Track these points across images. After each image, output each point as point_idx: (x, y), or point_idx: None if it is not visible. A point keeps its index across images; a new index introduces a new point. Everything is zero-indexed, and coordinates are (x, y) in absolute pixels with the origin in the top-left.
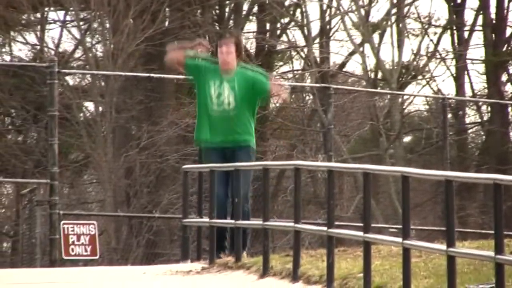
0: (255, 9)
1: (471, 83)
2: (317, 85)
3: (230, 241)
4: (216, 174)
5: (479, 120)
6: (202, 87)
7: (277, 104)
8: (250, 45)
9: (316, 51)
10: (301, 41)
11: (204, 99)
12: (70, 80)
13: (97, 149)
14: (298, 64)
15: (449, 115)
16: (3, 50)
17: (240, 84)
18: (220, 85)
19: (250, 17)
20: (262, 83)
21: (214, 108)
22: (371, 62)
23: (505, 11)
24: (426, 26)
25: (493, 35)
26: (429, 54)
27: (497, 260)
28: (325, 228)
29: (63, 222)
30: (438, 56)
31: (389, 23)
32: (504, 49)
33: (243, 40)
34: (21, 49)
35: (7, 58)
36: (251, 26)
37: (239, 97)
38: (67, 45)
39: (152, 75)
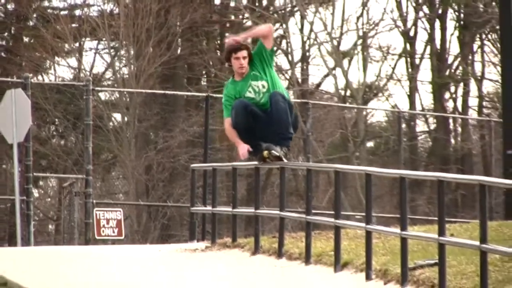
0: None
1: (421, 99)
2: (299, 100)
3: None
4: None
5: (427, 129)
6: (248, 98)
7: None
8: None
9: (298, 73)
10: (286, 65)
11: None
12: (102, 96)
13: (123, 151)
14: (283, 83)
15: (403, 125)
16: (50, 71)
17: (255, 69)
18: (250, 86)
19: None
20: (257, 49)
21: (262, 102)
22: (341, 82)
23: (447, 43)
24: (386, 54)
25: (438, 62)
26: (387, 76)
27: (439, 241)
28: (304, 215)
29: (95, 209)
30: (395, 78)
31: (356, 51)
32: (447, 73)
33: (251, 47)
34: (64, 70)
35: (53, 78)
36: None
37: (262, 76)
38: (99, 67)
39: (167, 92)
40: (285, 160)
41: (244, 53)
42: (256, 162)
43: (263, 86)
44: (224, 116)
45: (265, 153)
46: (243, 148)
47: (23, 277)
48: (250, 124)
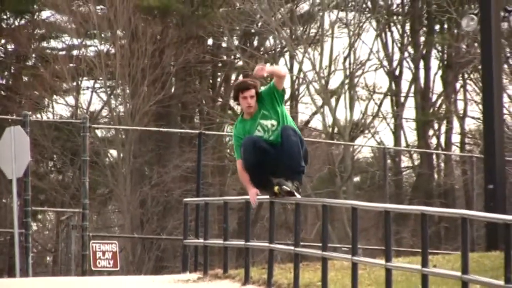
0: (241, 77)
1: (405, 136)
2: None
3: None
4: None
5: (411, 165)
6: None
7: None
8: (237, 107)
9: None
10: None
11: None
12: (99, 133)
13: (118, 186)
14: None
15: (388, 161)
16: (49, 109)
17: (264, 107)
18: (259, 124)
19: None
20: (268, 88)
21: (271, 140)
22: (329, 120)
23: (431, 82)
24: (372, 93)
25: (422, 100)
26: (373, 114)
27: (423, 272)
28: (292, 247)
29: (92, 241)
30: (381, 116)
31: (343, 90)
32: (430, 111)
33: (259, 85)
34: (61, 108)
35: (51, 115)
36: None
37: (271, 115)
38: (96, 105)
39: (161, 129)
40: (297, 195)
41: (251, 92)
42: (247, 197)
43: (272, 125)
44: (236, 158)
45: (276, 188)
46: (253, 195)
47: None
48: (259, 159)
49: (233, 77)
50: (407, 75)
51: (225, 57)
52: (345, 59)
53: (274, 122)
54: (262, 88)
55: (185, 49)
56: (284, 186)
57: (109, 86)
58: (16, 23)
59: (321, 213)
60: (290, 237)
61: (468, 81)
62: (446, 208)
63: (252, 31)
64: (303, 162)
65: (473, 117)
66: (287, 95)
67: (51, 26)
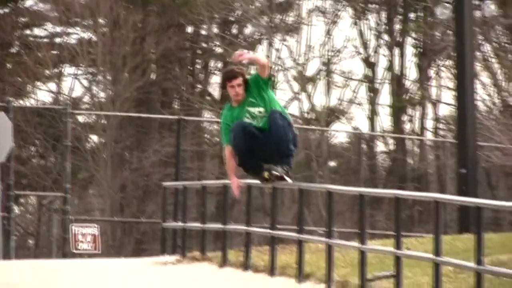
0: (219, 65)
1: (380, 122)
2: None
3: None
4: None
5: (386, 150)
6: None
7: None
8: (217, 92)
9: None
10: None
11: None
12: (80, 119)
13: (99, 170)
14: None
15: (364, 146)
16: (31, 95)
17: (252, 94)
18: (247, 112)
19: (216, 71)
20: (253, 77)
21: (256, 125)
22: (306, 106)
23: (406, 69)
24: (348, 79)
25: (397, 87)
26: (349, 100)
27: (396, 254)
28: (269, 230)
29: (73, 225)
30: (356, 102)
31: (320, 77)
32: (405, 97)
33: (245, 72)
34: (44, 95)
35: (34, 101)
36: (217, 78)
37: (259, 102)
38: (78, 92)
39: (141, 115)
40: (287, 179)
41: (238, 80)
42: (225, 181)
43: (260, 112)
44: (223, 142)
45: (266, 174)
46: (236, 187)
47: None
48: (249, 145)
49: (212, 64)
50: (382, 62)
51: (204, 45)
52: (321, 46)
53: (262, 109)
54: (249, 76)
55: (165, 37)
56: (273, 171)
57: (91, 73)
58: (0, 12)
59: (298, 197)
60: (267, 220)
61: (442, 68)
62: (419, 192)
63: (231, 19)
64: (292, 145)
65: (446, 103)
66: None
67: (34, 15)
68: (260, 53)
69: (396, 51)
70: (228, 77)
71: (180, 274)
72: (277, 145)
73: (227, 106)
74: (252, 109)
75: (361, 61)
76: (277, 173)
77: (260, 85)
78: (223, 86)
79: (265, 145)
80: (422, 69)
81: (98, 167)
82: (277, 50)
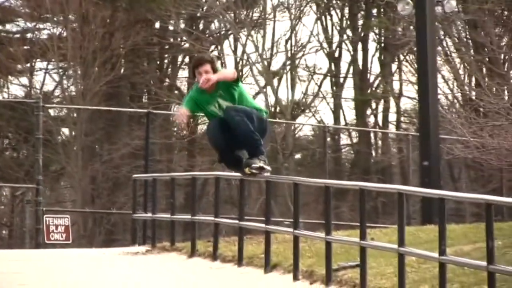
0: (187, 59)
1: (344, 115)
2: None
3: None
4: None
5: (350, 143)
6: (207, 111)
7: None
8: (184, 87)
9: None
10: None
11: (213, 116)
12: (52, 112)
13: (70, 163)
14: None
15: (328, 139)
16: (3, 89)
17: (224, 89)
18: (217, 102)
19: (183, 66)
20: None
21: (220, 115)
22: (272, 99)
23: (369, 64)
24: (312, 74)
25: (360, 81)
26: (314, 94)
27: (361, 244)
28: (237, 221)
29: (45, 216)
30: (321, 96)
31: (285, 71)
32: (368, 91)
33: (215, 60)
34: (16, 89)
35: (6, 95)
36: (184, 73)
37: (230, 96)
38: (49, 86)
39: (111, 108)
40: (267, 167)
41: (206, 67)
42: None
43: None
44: (183, 105)
45: (247, 169)
46: (182, 114)
47: None
48: (227, 139)
49: (180, 59)
50: (346, 57)
51: (172, 40)
52: (286, 41)
53: (229, 104)
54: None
55: (133, 32)
56: (253, 165)
57: (62, 67)
58: None
59: (265, 189)
60: (235, 211)
61: (404, 62)
62: (383, 184)
63: (198, 14)
64: (257, 135)
65: (409, 97)
66: None
67: (6, 10)
68: (224, 70)
69: (359, 46)
70: (195, 64)
71: (150, 264)
72: (243, 140)
73: (196, 86)
74: (221, 101)
75: (325, 55)
76: (256, 165)
77: (230, 86)
78: (192, 74)
79: (235, 140)
80: (385, 64)
81: (69, 160)
82: (243, 45)
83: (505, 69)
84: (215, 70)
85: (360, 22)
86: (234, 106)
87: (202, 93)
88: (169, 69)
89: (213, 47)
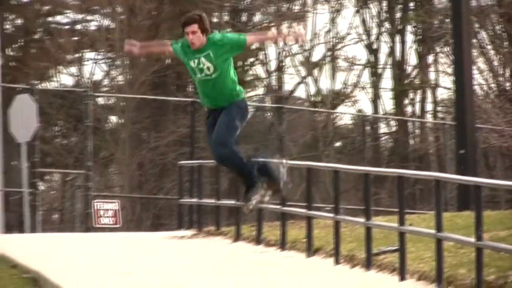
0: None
1: (383, 105)
2: (275, 105)
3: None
4: (206, 127)
5: (389, 131)
6: (187, 64)
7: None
8: None
9: (274, 81)
10: (263, 74)
11: (191, 73)
12: (100, 101)
13: (118, 150)
14: (261, 90)
15: (367, 128)
16: (54, 79)
17: (214, 52)
18: (198, 59)
19: None
20: (237, 42)
21: (199, 77)
22: (312, 89)
23: (406, 55)
24: (352, 65)
25: (398, 71)
26: (353, 84)
27: (400, 230)
28: (279, 207)
29: (94, 200)
30: (360, 86)
31: (325, 62)
32: (406, 81)
33: (205, 17)
34: (66, 78)
35: (56, 84)
36: None
37: (215, 62)
38: (98, 75)
39: (157, 97)
40: (266, 198)
41: (192, 27)
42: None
43: (208, 69)
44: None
45: (245, 208)
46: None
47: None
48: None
49: None
50: (384, 49)
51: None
52: (326, 33)
53: (212, 69)
54: (229, 35)
55: (178, 24)
56: (251, 202)
57: (110, 57)
58: (24, 0)
59: (306, 175)
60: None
61: (440, 54)
62: (420, 171)
63: (241, 7)
64: (248, 164)
65: (444, 87)
66: (273, 67)
67: (56, 3)
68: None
69: (397, 38)
70: (181, 23)
71: (196, 247)
72: (237, 173)
73: (186, 39)
74: (204, 61)
75: (364, 47)
76: (254, 202)
77: (232, 49)
78: (182, 33)
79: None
80: (422, 55)
81: (117, 146)
82: None
83: None
84: (203, 30)
85: (398, 15)
86: (217, 138)
87: (188, 48)
88: None
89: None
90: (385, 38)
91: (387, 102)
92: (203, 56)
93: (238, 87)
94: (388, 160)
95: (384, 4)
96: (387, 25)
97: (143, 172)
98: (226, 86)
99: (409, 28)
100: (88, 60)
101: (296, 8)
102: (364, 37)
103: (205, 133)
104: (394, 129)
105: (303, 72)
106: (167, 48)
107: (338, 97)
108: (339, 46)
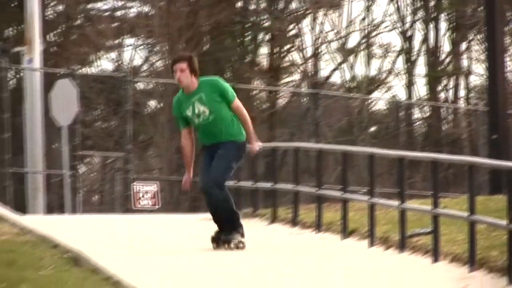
0: (267, 37)
1: (417, 91)
2: (311, 91)
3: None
4: (201, 164)
5: (422, 117)
6: (185, 117)
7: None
8: (265, 62)
9: (310, 67)
10: (299, 60)
11: (191, 122)
12: (140, 85)
13: (157, 133)
14: (297, 76)
15: (401, 113)
16: (94, 64)
17: (206, 93)
18: (192, 104)
19: (263, 44)
20: (227, 94)
21: (198, 122)
22: (348, 75)
23: (440, 42)
24: (386, 51)
25: (432, 58)
26: (388, 71)
27: (433, 213)
28: (315, 190)
29: (134, 183)
30: (394, 72)
31: (360, 49)
32: (439, 68)
33: (195, 59)
34: (106, 64)
35: (96, 70)
36: (264, 50)
37: (209, 103)
38: (137, 61)
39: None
40: (243, 241)
41: (181, 66)
42: (273, 144)
43: (204, 112)
44: (180, 129)
45: (226, 246)
46: (186, 181)
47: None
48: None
49: (260, 36)
50: (418, 36)
51: (253, 18)
52: (361, 21)
53: (207, 112)
54: (224, 84)
55: (216, 11)
56: (231, 243)
57: (149, 43)
58: None
59: (341, 159)
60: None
61: (473, 41)
62: (454, 156)
63: None
64: (236, 213)
65: (477, 74)
66: (309, 53)
67: None
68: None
69: (431, 25)
70: (172, 61)
71: None
72: (224, 217)
73: (180, 91)
74: (198, 105)
75: (398, 34)
76: (234, 243)
77: (221, 98)
78: (171, 70)
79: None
80: (455, 42)
81: (156, 130)
82: (321, 23)
83: None
84: (192, 70)
85: (432, 3)
86: (214, 178)
87: (182, 98)
88: (250, 47)
89: (292, 25)
90: (419, 25)
91: (421, 88)
92: (197, 100)
93: (240, 128)
94: (421, 145)
95: None
96: (421, 12)
97: (181, 155)
98: (225, 125)
99: (442, 16)
100: (127, 46)
101: None
102: (398, 24)
103: (201, 163)
104: (427, 114)
105: (338, 58)
106: (189, 138)
107: (372, 83)
108: (374, 33)
